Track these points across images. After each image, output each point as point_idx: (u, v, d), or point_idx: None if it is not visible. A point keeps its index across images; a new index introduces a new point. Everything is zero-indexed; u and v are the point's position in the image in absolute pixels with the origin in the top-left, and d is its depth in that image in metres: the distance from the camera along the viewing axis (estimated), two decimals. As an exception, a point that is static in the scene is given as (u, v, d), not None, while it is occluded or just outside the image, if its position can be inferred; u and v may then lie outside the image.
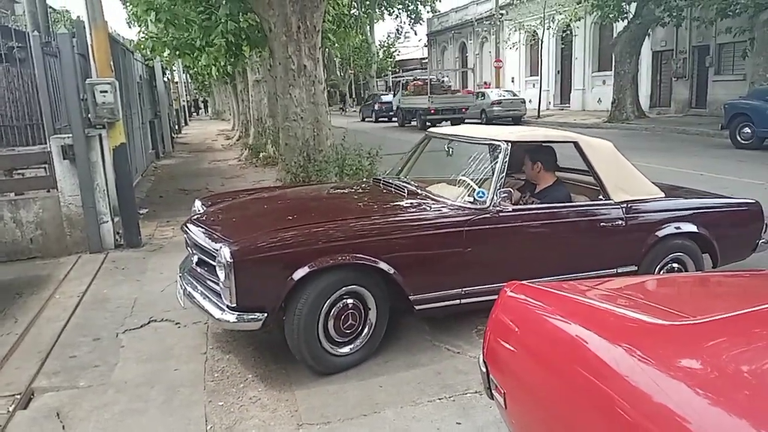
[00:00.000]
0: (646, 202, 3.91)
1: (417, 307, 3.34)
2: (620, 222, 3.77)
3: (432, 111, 20.68)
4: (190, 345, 3.60)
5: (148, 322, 3.94)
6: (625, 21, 19.53)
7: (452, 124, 17.89)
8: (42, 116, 5.70)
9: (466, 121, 22.11)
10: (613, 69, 20.64)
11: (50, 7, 7.89)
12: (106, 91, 5.66)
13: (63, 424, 2.77)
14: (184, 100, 30.17)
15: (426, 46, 43.05)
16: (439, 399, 2.92)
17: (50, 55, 5.84)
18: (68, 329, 3.85)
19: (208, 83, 28.37)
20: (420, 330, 3.69)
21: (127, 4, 10.69)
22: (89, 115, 5.65)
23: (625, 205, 3.79)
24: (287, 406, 2.87)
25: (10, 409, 2.90)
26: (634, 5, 18.80)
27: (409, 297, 3.28)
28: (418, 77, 25.09)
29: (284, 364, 3.24)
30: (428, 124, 19.51)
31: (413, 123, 21.37)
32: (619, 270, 3.79)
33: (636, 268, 3.82)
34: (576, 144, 3.85)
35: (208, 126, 28.90)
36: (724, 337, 1.43)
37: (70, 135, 5.54)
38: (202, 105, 40.74)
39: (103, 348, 3.58)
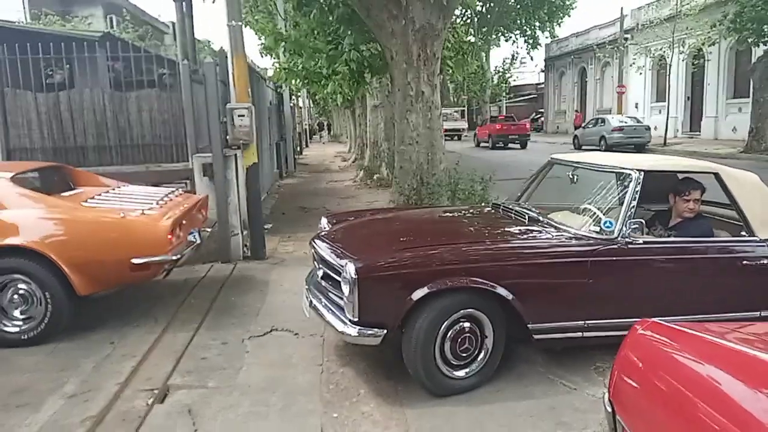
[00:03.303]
0: None
1: (536, 336, 3.25)
2: (765, 261, 3.44)
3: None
4: (307, 355, 3.75)
5: (270, 331, 4.17)
6: (766, 44, 17.89)
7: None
8: (186, 137, 6.28)
9: (584, 147, 21.49)
10: (751, 96, 18.93)
11: (196, 38, 8.73)
12: (243, 115, 6.15)
13: (193, 421, 2.99)
14: (306, 124, 31.81)
15: (542, 71, 42.16)
16: (555, 435, 2.80)
17: (196, 82, 6.43)
18: (201, 332, 4.18)
19: (329, 108, 29.72)
20: (534, 362, 3.58)
21: (260, 35, 11.57)
22: (227, 137, 6.16)
23: None
24: (398, 425, 2.90)
25: (149, 402, 3.18)
26: (777, 27, 17.21)
27: (528, 325, 3.21)
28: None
29: (396, 382, 3.28)
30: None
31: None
32: (763, 313, 3.44)
33: None
34: (717, 175, 3.58)
35: (327, 148, 30.24)
36: None
37: (210, 154, 6.07)
38: (326, 127, 42.64)
39: (230, 352, 3.84)
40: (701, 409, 1.53)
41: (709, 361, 1.70)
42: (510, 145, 26.17)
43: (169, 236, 4.13)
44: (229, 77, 6.42)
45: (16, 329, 3.99)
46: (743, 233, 3.52)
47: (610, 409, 1.96)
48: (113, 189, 4.93)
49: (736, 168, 3.86)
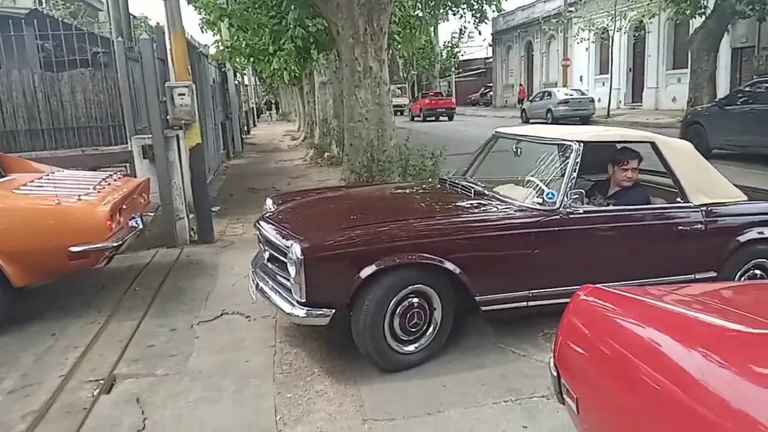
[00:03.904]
0: (727, 205, 3.71)
1: (483, 308, 3.32)
2: (699, 226, 3.59)
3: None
4: (259, 338, 3.71)
5: (221, 315, 4.10)
6: (703, 16, 18.55)
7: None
8: (124, 118, 6.03)
9: (531, 120, 21.97)
10: (689, 67, 19.64)
11: (131, 13, 8.34)
12: (183, 94, 5.94)
13: (142, 410, 2.92)
14: (253, 103, 31.11)
15: (490, 45, 42.48)
16: (505, 402, 2.88)
17: (132, 60, 6.16)
18: (147, 319, 4.07)
19: (276, 86, 29.13)
20: (484, 332, 3.66)
21: (201, 10, 11.15)
22: (168, 117, 5.94)
23: (704, 208, 3.61)
24: (353, 401, 2.91)
25: (95, 393, 3.09)
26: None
27: (475, 297, 3.26)
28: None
29: (349, 359, 3.29)
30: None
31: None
32: (697, 276, 3.61)
33: (715, 274, 3.63)
34: (653, 144, 3.70)
35: (275, 127, 29.71)
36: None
37: (150, 135, 5.85)
38: (274, 106, 41.77)
39: (179, 338, 3.76)
40: (641, 370, 1.58)
41: (649, 323, 1.76)
42: (440, 118, 28.97)
43: (109, 222, 3.98)
44: (168, 54, 6.18)
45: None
46: (678, 200, 3.66)
47: (555, 374, 2.01)
48: (47, 175, 4.69)
49: (673, 136, 4.01)
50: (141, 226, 4.55)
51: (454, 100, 31.46)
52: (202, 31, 11.00)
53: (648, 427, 1.51)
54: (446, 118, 28.63)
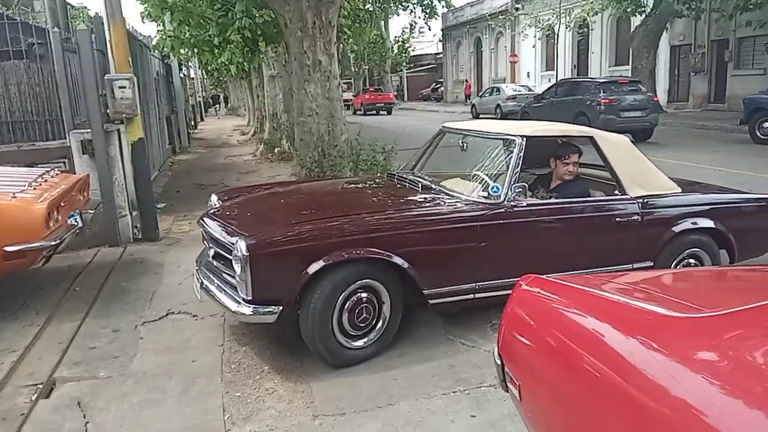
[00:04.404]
0: (663, 197, 3.88)
1: (431, 302, 3.36)
2: (636, 217, 3.75)
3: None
4: (207, 337, 3.65)
5: (167, 315, 4.00)
6: (643, 15, 19.28)
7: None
8: (62, 111, 5.79)
9: (481, 116, 22.39)
10: (630, 63, 20.39)
11: (68, 3, 7.97)
12: (124, 87, 5.74)
13: (84, 413, 2.83)
14: (200, 96, 30.35)
15: (441, 41, 42.85)
16: (454, 392, 2.93)
17: (69, 51, 5.91)
18: (88, 321, 3.93)
19: (224, 79, 28.50)
20: (434, 324, 3.71)
21: (142, 0, 10.78)
22: (108, 111, 5.74)
23: (641, 200, 3.77)
24: (303, 398, 2.91)
25: (33, 398, 2.97)
26: (652, -2, 18.57)
27: (423, 291, 3.30)
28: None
29: (300, 356, 3.28)
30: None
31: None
32: (635, 266, 3.77)
33: (652, 263, 3.79)
34: (592, 138, 3.83)
35: (224, 122, 29.09)
36: (741, 330, 1.42)
37: (90, 130, 5.63)
38: (222, 100, 40.89)
39: (123, 339, 3.65)
40: (581, 357, 1.61)
41: (588, 311, 1.81)
42: (380, 112, 30.88)
43: (46, 220, 3.82)
44: (108, 46, 5.96)
45: None
46: (616, 192, 3.80)
47: (499, 362, 2.05)
48: None
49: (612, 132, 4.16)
50: (80, 225, 4.39)
51: (392, 95, 33.40)
52: (143, 22, 10.64)
53: (590, 413, 1.56)
54: (385, 112, 30.39)
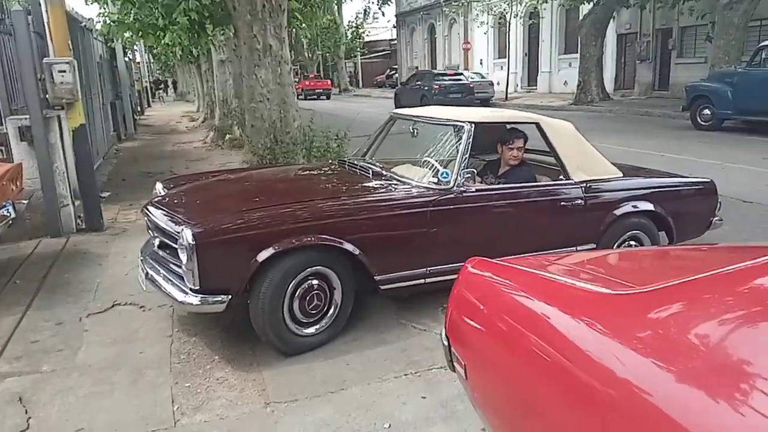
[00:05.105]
0: (605, 181, 4.01)
1: (382, 287, 3.38)
2: (580, 201, 3.87)
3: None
4: (155, 328, 3.58)
5: (112, 306, 3.90)
6: (591, 4, 19.73)
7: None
8: (-4, 97, 5.51)
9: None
10: (579, 52, 20.89)
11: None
12: (64, 71, 5.51)
13: (26, 409, 2.74)
14: (146, 81, 29.36)
15: (395, 27, 42.75)
16: (405, 375, 2.98)
17: (4, 33, 5.62)
18: (29, 314, 3.79)
19: (172, 63, 27.67)
20: (387, 309, 3.75)
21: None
22: (47, 96, 5.49)
23: (584, 184, 3.89)
24: (255, 386, 2.90)
25: (-30, 395, 2.85)
26: (599, -12, 19.00)
27: (375, 277, 3.32)
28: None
29: (251, 344, 3.26)
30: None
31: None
32: (579, 248, 3.88)
33: (595, 245, 3.93)
34: (537, 125, 3.92)
35: (172, 108, 28.26)
36: (667, 304, 1.50)
37: (27, 116, 5.38)
38: (171, 85, 39.74)
39: (66, 332, 3.54)
40: (525, 337, 1.65)
41: (531, 292, 1.86)
42: (320, 97, 32.98)
43: None
44: (46, 28, 5.69)
45: None
46: (561, 177, 3.91)
47: (446, 343, 2.10)
48: None
49: (563, 119, 4.26)
50: (13, 215, 4.21)
51: (329, 82, 36.07)
52: (87, 3, 10.19)
53: (528, 388, 1.61)
54: (325, 97, 32.88)
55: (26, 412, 2.72)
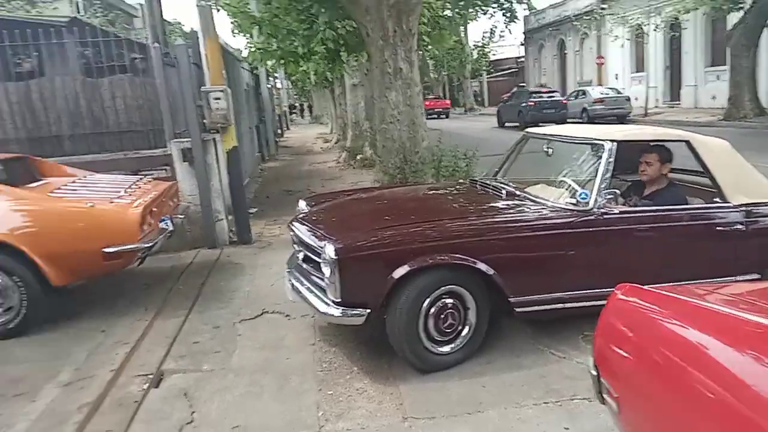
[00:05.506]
0: None
1: (518, 309, 3.33)
2: (740, 226, 3.55)
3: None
4: (299, 336, 3.81)
5: (261, 314, 4.22)
6: (741, 12, 18.04)
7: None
8: (163, 122, 6.22)
9: (567, 120, 21.99)
10: (728, 63, 19.13)
11: (164, 19, 8.58)
12: (219, 98, 6.10)
13: (190, 404, 3.05)
14: (285, 106, 31.50)
15: (522, 44, 42.02)
16: (545, 403, 2.89)
17: (168, 65, 6.34)
18: (191, 317, 4.22)
19: (308, 89, 29.39)
20: (523, 333, 3.67)
21: (232, 15, 11.38)
22: (205, 121, 6.11)
23: (745, 208, 3.56)
24: (392, 399, 2.98)
25: (144, 387, 3.23)
26: (750, -6, 17.34)
27: (509, 299, 3.28)
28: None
29: (388, 359, 3.35)
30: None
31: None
32: (739, 278, 3.55)
33: (759, 276, 3.57)
34: (688, 143, 3.67)
35: (307, 130, 30.01)
36: None
37: (189, 139, 6.02)
38: (307, 108, 42.58)
39: (222, 336, 3.89)
40: (684, 370, 1.55)
41: (691, 323, 1.74)
42: (440, 116, 33.46)
43: (140, 224, 4.12)
44: (202, 59, 6.34)
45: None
46: (716, 200, 3.61)
47: (595, 373, 2.02)
48: (80, 178, 4.88)
49: (714, 136, 3.95)
50: (171, 228, 4.68)
51: (448, 102, 37.64)
52: (233, 35, 11.19)
53: (690, 427, 1.52)
54: (444, 117, 33.74)
55: (190, 407, 3.02)
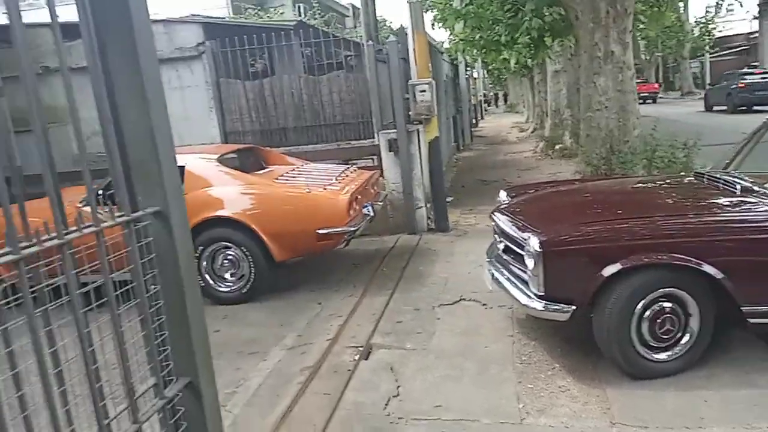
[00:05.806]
0: None
1: (751, 320, 2.93)
2: None
3: None
4: (496, 326, 3.83)
5: (459, 300, 4.32)
6: None
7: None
8: (372, 114, 6.63)
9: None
10: None
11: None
12: (424, 91, 6.34)
13: (396, 378, 3.26)
14: (481, 95, 31.50)
15: (756, 18, 36.26)
16: (782, 427, 2.53)
17: (379, 61, 6.73)
18: (395, 297, 4.50)
19: (504, 77, 28.99)
20: (755, 346, 3.23)
21: (433, 8, 11.62)
22: (410, 112, 6.39)
23: None
24: (598, 402, 2.84)
25: (356, 358, 3.53)
26: None
27: (741, 308, 2.90)
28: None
29: (593, 359, 3.20)
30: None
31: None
32: None
33: None
34: None
35: (502, 119, 29.65)
36: None
37: (395, 130, 6.35)
38: (502, 97, 42.40)
39: (422, 318, 4.07)
40: None
41: None
42: (646, 101, 29.48)
43: (347, 209, 4.49)
44: (409, 54, 6.61)
45: (227, 289, 4.64)
46: None
47: None
48: (298, 167, 5.44)
49: None
50: (372, 214, 5.00)
51: (657, 85, 34.37)
52: (433, 27, 11.45)
53: None
54: (651, 101, 30.68)
55: (396, 381, 3.23)
